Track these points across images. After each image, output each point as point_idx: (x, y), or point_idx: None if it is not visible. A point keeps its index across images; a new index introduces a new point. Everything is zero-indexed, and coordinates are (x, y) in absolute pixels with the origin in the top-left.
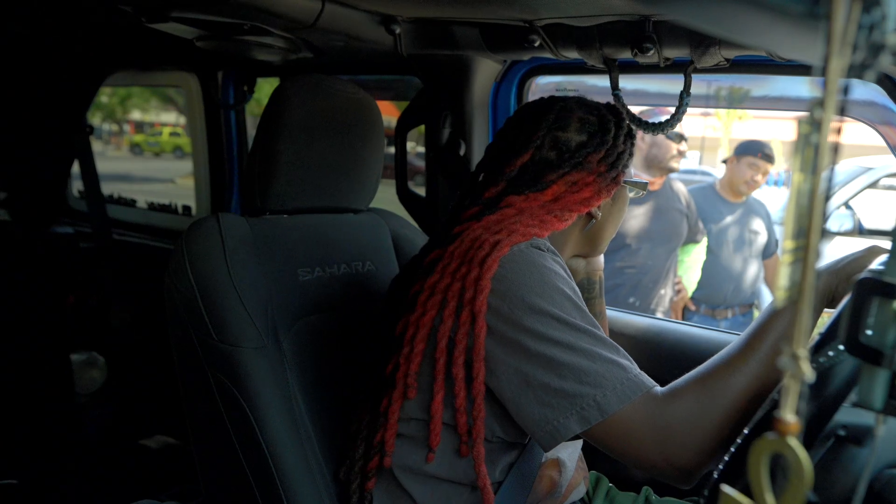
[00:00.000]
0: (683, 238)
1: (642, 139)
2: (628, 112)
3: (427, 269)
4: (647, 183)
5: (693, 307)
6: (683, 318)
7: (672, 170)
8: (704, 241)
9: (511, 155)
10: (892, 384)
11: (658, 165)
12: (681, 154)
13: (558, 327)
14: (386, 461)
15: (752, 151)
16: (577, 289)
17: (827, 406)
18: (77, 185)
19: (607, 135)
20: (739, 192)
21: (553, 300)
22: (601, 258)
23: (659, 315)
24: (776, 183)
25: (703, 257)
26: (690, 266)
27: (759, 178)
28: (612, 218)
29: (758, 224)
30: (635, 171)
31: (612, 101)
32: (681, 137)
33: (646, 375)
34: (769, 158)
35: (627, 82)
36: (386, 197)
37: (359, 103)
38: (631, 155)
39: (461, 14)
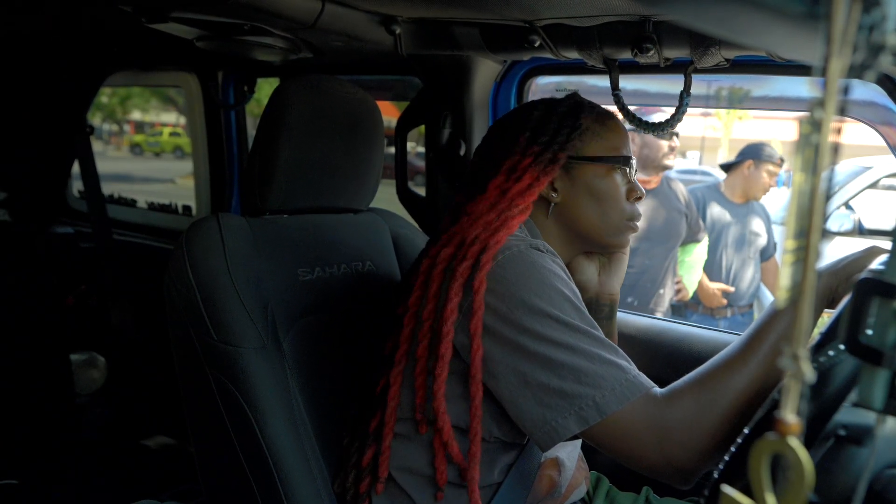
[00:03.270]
0: (682, 238)
1: (632, 141)
2: (628, 113)
3: (411, 287)
4: (608, 157)
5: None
6: (681, 317)
7: (666, 167)
8: (706, 241)
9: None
10: (892, 384)
11: (652, 165)
12: (672, 150)
13: (557, 328)
14: (378, 488)
15: (772, 159)
16: (576, 290)
17: (827, 406)
18: (77, 185)
19: (533, 115)
20: (754, 197)
21: (552, 300)
22: (615, 284)
23: (658, 315)
24: (778, 183)
25: (706, 257)
26: (692, 266)
27: (773, 182)
28: (580, 198)
29: (758, 226)
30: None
31: (613, 102)
32: (671, 133)
33: (644, 376)
34: (783, 162)
35: (627, 82)
36: (386, 197)
37: (359, 103)
38: (569, 136)
39: (461, 14)
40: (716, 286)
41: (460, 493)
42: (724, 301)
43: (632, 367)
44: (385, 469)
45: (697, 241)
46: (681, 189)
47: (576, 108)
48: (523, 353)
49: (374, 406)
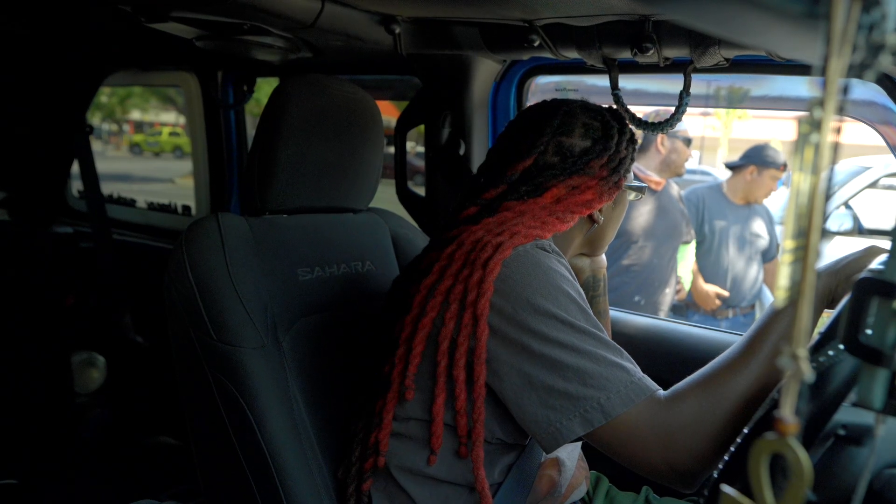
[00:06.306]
0: (683, 238)
1: (661, 144)
2: (628, 113)
3: (424, 271)
4: (646, 186)
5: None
6: (683, 317)
7: (681, 174)
8: (694, 242)
9: (513, 158)
10: (891, 384)
11: (673, 169)
12: (689, 158)
13: (562, 329)
14: (380, 461)
15: (776, 165)
16: (581, 290)
17: (827, 406)
18: (77, 185)
19: (610, 141)
20: (756, 200)
21: (557, 301)
22: (603, 256)
23: (661, 314)
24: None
25: (694, 258)
26: (684, 266)
27: (775, 186)
28: (612, 220)
29: (760, 227)
30: (650, 172)
31: (613, 102)
32: (689, 142)
33: (649, 379)
34: (786, 168)
35: (627, 82)
36: (386, 197)
37: (358, 103)
38: (632, 160)
39: (461, 14)
40: (711, 288)
41: (459, 492)
42: (718, 303)
43: (636, 370)
44: (385, 445)
45: (688, 242)
46: (678, 190)
47: (633, 135)
48: (528, 354)
49: (380, 388)
